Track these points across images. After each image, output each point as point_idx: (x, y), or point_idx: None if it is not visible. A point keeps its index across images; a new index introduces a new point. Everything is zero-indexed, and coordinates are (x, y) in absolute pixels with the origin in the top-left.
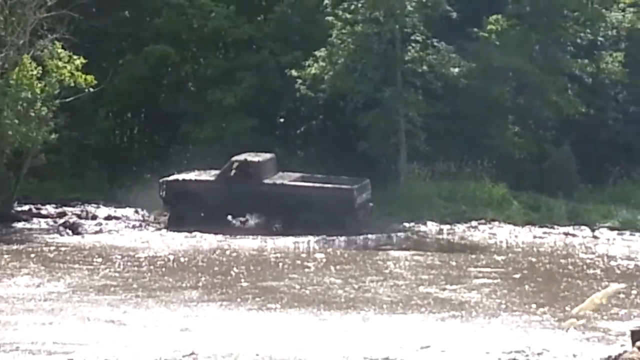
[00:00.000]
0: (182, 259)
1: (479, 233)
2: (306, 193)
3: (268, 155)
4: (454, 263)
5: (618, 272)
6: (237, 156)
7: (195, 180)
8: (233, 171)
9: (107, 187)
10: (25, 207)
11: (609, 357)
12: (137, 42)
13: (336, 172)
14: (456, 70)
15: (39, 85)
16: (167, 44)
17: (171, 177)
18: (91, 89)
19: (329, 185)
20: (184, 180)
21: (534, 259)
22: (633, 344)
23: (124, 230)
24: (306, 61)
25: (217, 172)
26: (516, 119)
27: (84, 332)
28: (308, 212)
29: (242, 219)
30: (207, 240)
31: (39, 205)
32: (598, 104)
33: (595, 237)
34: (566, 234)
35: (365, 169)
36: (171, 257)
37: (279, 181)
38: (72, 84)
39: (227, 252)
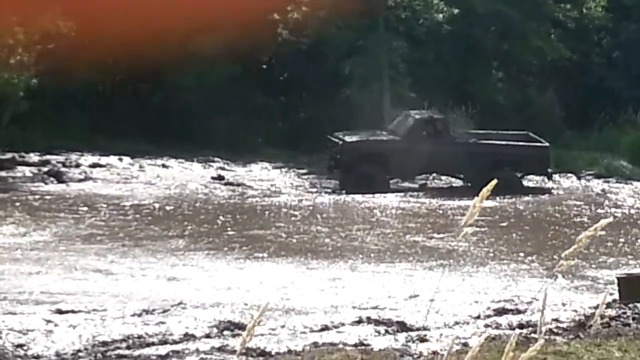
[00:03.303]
0: (167, 207)
1: None
2: (504, 151)
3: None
4: (440, 211)
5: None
6: (409, 112)
7: (382, 140)
8: (421, 130)
9: (89, 135)
10: (8, 156)
11: (598, 305)
12: None
13: (320, 118)
14: (439, 16)
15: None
16: None
17: (353, 138)
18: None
19: (528, 143)
20: (369, 141)
21: (521, 207)
22: (619, 290)
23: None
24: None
25: (389, 131)
26: (500, 64)
27: (71, 281)
28: (503, 171)
29: (421, 181)
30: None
31: (22, 154)
32: (582, 49)
33: (580, 183)
34: (552, 181)
35: (349, 116)
36: (157, 205)
37: (471, 139)
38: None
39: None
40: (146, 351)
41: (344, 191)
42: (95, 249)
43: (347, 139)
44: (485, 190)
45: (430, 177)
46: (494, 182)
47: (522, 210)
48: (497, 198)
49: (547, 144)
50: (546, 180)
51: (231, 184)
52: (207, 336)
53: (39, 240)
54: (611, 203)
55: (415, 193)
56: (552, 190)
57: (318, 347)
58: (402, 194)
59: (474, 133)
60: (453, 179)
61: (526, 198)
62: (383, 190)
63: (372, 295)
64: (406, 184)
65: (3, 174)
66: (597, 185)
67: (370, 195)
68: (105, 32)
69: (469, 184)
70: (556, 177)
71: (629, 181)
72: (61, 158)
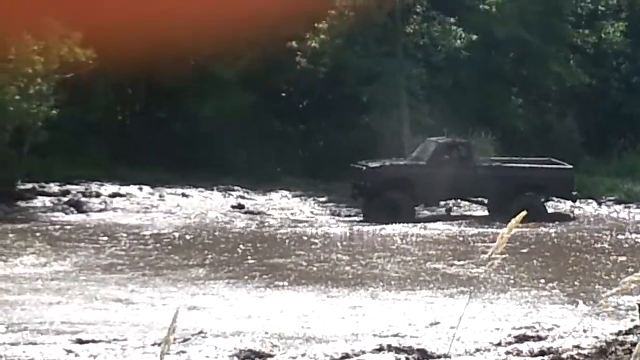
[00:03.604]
0: (187, 237)
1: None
2: (527, 175)
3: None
4: (461, 239)
5: (626, 246)
6: (432, 139)
7: (406, 165)
8: (445, 155)
9: (108, 164)
10: (29, 186)
11: (620, 332)
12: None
13: (340, 146)
14: (458, 42)
15: (39, 60)
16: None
17: (377, 164)
18: (91, 62)
19: (551, 166)
20: (393, 165)
21: (541, 234)
22: None
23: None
24: (307, 34)
25: (413, 158)
26: (519, 91)
27: (91, 311)
28: (527, 196)
29: (446, 206)
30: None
31: (43, 184)
32: (601, 74)
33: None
34: (573, 207)
35: (369, 143)
36: (177, 235)
37: (495, 164)
38: (72, 60)
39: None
40: None
41: (368, 218)
42: (115, 278)
43: (371, 164)
44: (514, 222)
45: (452, 203)
46: (524, 213)
47: (542, 237)
48: (521, 226)
49: (570, 167)
50: (571, 203)
51: (251, 212)
52: None
53: (60, 271)
54: (632, 229)
55: (436, 221)
56: (573, 216)
57: None
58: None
59: (497, 159)
60: (475, 205)
61: (547, 224)
62: (409, 217)
63: (393, 323)
64: (427, 211)
65: (23, 204)
66: (618, 211)
67: (398, 222)
68: (125, 60)
69: (491, 210)
70: (577, 203)
71: None
72: (81, 188)
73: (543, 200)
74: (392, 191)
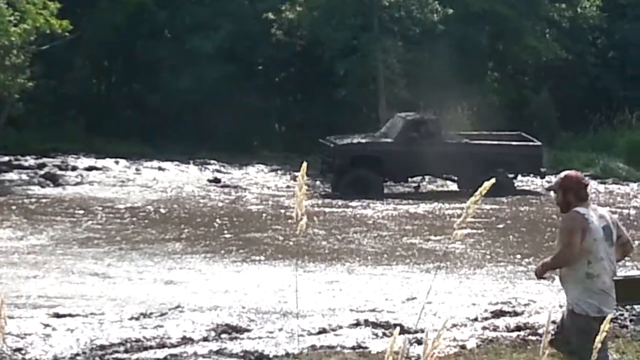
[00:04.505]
0: (163, 210)
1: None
2: (496, 151)
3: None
4: (437, 213)
5: None
6: (401, 115)
7: (373, 142)
8: (413, 131)
9: (84, 137)
10: (4, 159)
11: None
12: None
13: (317, 120)
14: (434, 15)
15: (14, 31)
16: None
17: (344, 141)
18: (67, 35)
19: (520, 143)
20: (361, 143)
21: (517, 209)
22: (616, 292)
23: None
24: (283, 5)
25: (381, 134)
26: (495, 65)
27: (68, 285)
28: (496, 172)
29: (414, 183)
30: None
31: (18, 157)
32: (577, 49)
33: None
34: (549, 182)
35: (345, 117)
36: (153, 208)
37: (463, 140)
38: (48, 31)
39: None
40: (144, 355)
41: (337, 194)
42: (92, 252)
43: (339, 141)
44: (479, 192)
45: (421, 180)
46: (490, 182)
47: (518, 212)
48: (495, 199)
49: (539, 143)
50: (539, 179)
51: (227, 186)
52: (205, 339)
53: (36, 244)
54: (606, 202)
55: (412, 196)
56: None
57: (316, 350)
58: (399, 198)
59: (466, 134)
60: (449, 182)
61: (522, 199)
62: (377, 193)
63: (370, 297)
64: (401, 187)
65: None
66: (593, 186)
67: (367, 198)
68: (99, 32)
69: (461, 187)
70: (552, 178)
71: (625, 182)
72: (57, 161)
73: (512, 176)
74: (360, 168)
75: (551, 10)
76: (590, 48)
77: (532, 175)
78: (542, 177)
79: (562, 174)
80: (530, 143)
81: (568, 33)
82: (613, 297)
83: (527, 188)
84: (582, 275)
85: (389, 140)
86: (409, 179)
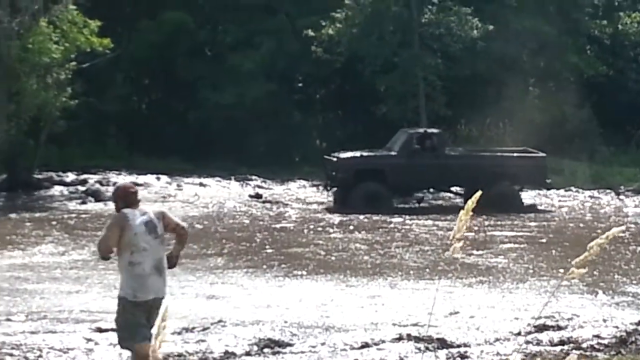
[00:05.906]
0: (205, 226)
1: None
2: (498, 163)
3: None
4: (477, 227)
5: None
6: (405, 129)
7: (377, 156)
8: (415, 144)
9: (125, 154)
10: (46, 175)
11: (639, 321)
12: (151, 7)
13: (356, 135)
14: (474, 32)
15: (56, 49)
16: (182, 8)
17: (347, 155)
18: (108, 52)
19: (523, 154)
20: (364, 156)
21: (560, 223)
22: None
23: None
24: (323, 21)
25: (386, 148)
26: (536, 81)
27: (110, 300)
28: (501, 184)
29: (417, 197)
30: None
31: (60, 173)
32: (618, 65)
33: (620, 200)
34: (591, 197)
35: (386, 133)
36: (195, 224)
37: (465, 153)
38: (89, 49)
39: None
40: None
41: (341, 208)
42: None
43: (342, 155)
44: (471, 203)
45: (424, 194)
46: (477, 194)
47: (561, 226)
48: (539, 215)
49: (543, 155)
50: (544, 191)
51: (269, 202)
52: (247, 354)
53: (78, 259)
54: None
55: (453, 210)
56: (593, 207)
57: None
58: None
59: (471, 149)
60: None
61: (566, 214)
62: (387, 208)
63: (412, 312)
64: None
65: (41, 193)
66: (636, 201)
67: (407, 214)
68: (140, 50)
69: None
70: (595, 193)
71: None
72: (98, 177)
73: (518, 188)
74: (365, 182)
75: (592, 26)
76: (631, 64)
77: (537, 186)
78: (548, 189)
79: (115, 186)
80: (534, 154)
81: (609, 49)
82: (154, 282)
83: (569, 204)
84: (126, 263)
85: (392, 153)
86: (414, 193)
